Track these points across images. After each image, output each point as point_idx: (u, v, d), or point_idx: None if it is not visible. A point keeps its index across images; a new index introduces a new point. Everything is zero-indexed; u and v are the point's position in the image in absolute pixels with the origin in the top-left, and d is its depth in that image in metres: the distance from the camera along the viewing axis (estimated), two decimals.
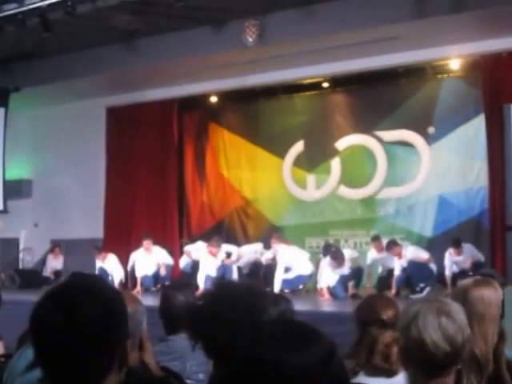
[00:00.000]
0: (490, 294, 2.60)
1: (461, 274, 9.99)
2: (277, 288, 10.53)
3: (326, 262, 10.64)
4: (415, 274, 10.20)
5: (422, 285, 10.06)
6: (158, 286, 12.02)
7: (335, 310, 9.07)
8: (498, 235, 10.26)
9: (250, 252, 11.87)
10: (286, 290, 10.62)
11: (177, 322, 3.14)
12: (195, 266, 11.64)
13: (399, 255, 10.32)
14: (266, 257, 11.45)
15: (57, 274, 13.26)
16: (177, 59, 11.58)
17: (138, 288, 11.86)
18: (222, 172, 13.61)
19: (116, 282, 11.90)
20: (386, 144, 12.12)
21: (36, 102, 13.86)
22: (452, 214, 11.36)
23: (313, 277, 11.08)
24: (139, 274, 12.00)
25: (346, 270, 10.52)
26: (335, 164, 12.55)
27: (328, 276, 10.48)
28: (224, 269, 11.30)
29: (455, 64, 11.27)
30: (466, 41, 10.34)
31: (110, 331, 1.39)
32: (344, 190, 12.41)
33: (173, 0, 9.02)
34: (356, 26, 10.02)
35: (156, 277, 12.11)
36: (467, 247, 10.41)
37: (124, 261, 12.40)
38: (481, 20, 9.50)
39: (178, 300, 3.20)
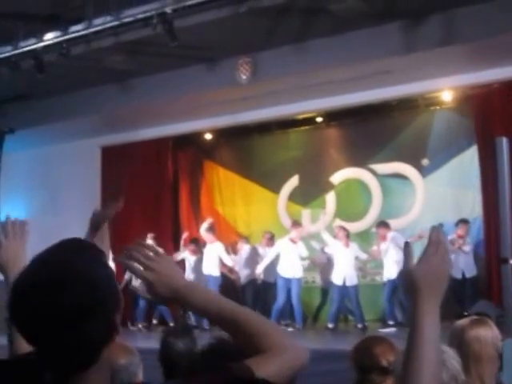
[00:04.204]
0: (487, 334, 2.59)
1: None
2: (260, 270, 11.00)
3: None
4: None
5: None
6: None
7: (334, 347, 8.95)
8: (494, 266, 10.22)
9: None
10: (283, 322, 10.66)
11: (175, 369, 3.11)
12: None
13: (384, 238, 10.33)
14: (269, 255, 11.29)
15: None
16: (171, 98, 11.65)
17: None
18: (216, 208, 13.61)
19: None
20: (380, 177, 12.16)
21: (31, 143, 13.88)
22: (448, 246, 11.34)
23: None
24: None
25: (353, 279, 10.43)
26: (330, 198, 12.57)
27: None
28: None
29: (447, 96, 11.33)
30: (456, 73, 10.42)
31: (95, 315, 1.31)
32: (339, 224, 12.38)
33: (167, 40, 9.10)
34: (347, 60, 10.11)
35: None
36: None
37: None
38: (471, 52, 9.59)
39: (177, 347, 3.19)
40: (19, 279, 1.33)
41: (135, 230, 13.31)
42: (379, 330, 9.61)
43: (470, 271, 10.40)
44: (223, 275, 11.68)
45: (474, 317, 2.78)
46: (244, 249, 11.98)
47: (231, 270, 11.92)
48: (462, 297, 10.11)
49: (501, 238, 10.07)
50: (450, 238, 10.45)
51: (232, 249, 12.22)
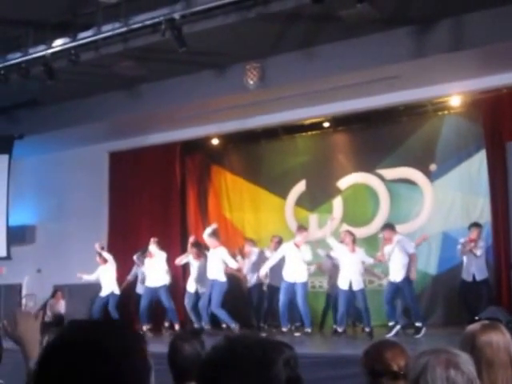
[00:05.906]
0: (499, 339, 2.58)
1: None
2: (263, 272, 10.84)
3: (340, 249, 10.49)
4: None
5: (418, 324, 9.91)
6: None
7: (342, 352, 8.93)
8: (503, 272, 10.19)
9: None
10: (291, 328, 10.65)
11: (184, 373, 3.13)
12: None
13: (389, 240, 10.17)
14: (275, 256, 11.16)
15: (57, 318, 13.05)
16: (179, 103, 11.69)
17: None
18: (224, 214, 13.62)
19: (106, 292, 12.18)
20: (388, 182, 12.14)
21: (40, 149, 13.96)
22: (456, 251, 11.29)
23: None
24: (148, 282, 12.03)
25: (359, 284, 10.34)
26: (337, 203, 12.55)
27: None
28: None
29: (456, 101, 11.28)
30: (465, 78, 10.40)
31: None
32: (346, 229, 12.34)
33: (175, 46, 9.13)
34: (356, 66, 10.11)
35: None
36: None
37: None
38: (480, 57, 9.58)
39: (185, 351, 3.20)
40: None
41: (143, 234, 13.36)
42: (386, 336, 9.57)
43: (481, 275, 10.25)
44: (231, 275, 11.62)
45: (486, 321, 2.77)
46: (252, 252, 11.97)
47: (239, 269, 11.89)
48: (472, 300, 10.07)
49: (510, 244, 10.08)
50: (461, 241, 10.40)
51: (240, 253, 12.21)
